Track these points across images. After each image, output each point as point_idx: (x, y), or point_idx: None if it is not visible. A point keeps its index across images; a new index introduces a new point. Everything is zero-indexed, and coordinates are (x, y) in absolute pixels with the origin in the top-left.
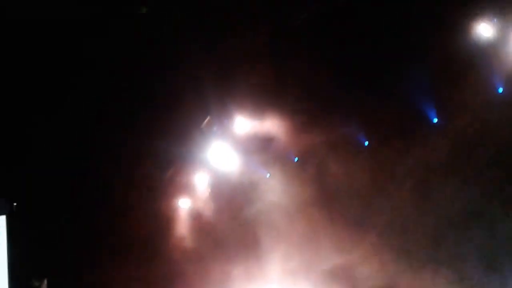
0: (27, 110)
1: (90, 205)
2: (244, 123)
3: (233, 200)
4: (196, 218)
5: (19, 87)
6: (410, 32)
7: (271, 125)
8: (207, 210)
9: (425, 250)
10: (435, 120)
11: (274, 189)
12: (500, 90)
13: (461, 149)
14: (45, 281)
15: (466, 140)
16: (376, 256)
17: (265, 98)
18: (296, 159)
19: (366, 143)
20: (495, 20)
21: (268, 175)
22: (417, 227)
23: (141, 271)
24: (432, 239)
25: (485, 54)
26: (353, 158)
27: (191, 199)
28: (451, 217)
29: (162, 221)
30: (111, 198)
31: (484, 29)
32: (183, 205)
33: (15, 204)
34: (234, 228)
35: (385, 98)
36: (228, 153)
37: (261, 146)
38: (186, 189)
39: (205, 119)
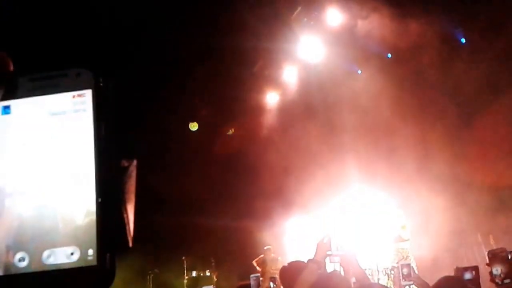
0: None
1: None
2: (336, 15)
3: (322, 95)
4: (284, 111)
5: None
6: None
7: (365, 18)
8: (295, 103)
9: None
10: None
11: (364, 85)
12: None
13: None
14: (135, 162)
15: None
16: None
17: None
18: (389, 55)
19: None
20: None
21: (359, 71)
22: None
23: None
24: None
25: None
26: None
27: (279, 93)
28: None
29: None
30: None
31: None
32: (271, 99)
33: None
34: (320, 120)
35: None
36: (319, 46)
37: (354, 40)
38: (275, 82)
39: (296, 10)
